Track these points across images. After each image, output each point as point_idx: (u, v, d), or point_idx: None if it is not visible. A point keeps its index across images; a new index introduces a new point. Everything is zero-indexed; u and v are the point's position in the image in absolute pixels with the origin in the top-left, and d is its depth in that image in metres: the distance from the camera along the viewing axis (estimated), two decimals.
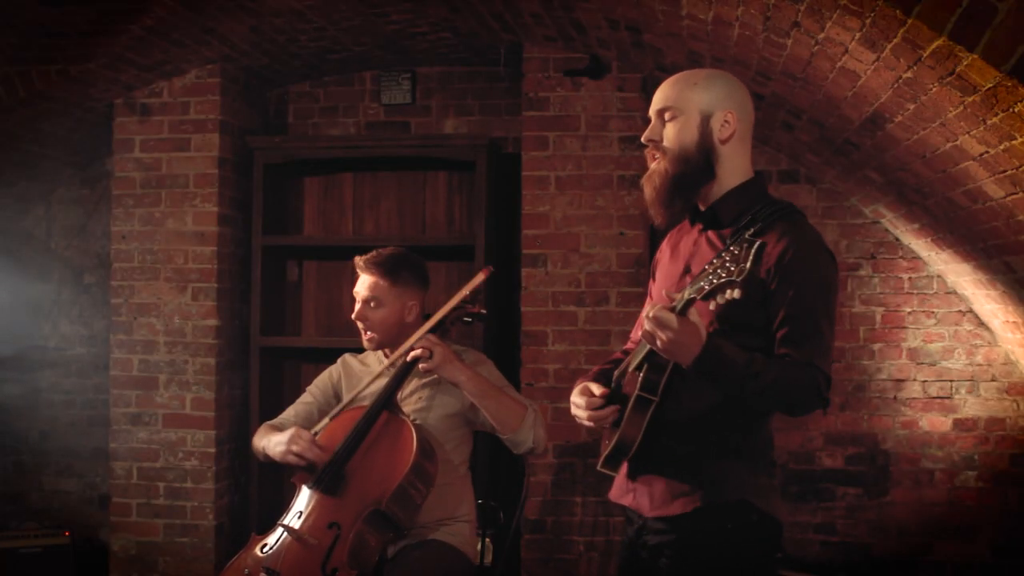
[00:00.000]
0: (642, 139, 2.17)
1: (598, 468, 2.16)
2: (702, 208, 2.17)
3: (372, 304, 2.93)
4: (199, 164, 4.18)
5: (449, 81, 4.53)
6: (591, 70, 4.04)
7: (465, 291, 2.83)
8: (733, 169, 2.11)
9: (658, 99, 2.15)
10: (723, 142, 2.09)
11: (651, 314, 1.91)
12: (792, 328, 1.99)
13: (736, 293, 1.82)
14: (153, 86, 4.18)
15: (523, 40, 4.05)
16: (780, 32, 2.73)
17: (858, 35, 2.37)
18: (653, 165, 2.15)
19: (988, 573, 4.11)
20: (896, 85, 2.51)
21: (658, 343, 1.92)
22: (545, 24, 3.76)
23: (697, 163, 2.08)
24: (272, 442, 2.84)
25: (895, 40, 2.23)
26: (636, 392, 2.04)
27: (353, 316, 2.97)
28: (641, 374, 2.04)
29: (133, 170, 4.22)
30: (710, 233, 2.14)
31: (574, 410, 2.18)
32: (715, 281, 1.83)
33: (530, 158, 4.10)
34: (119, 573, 4.21)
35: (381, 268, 2.94)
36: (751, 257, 1.80)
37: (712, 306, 1.91)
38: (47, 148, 4.34)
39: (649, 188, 2.14)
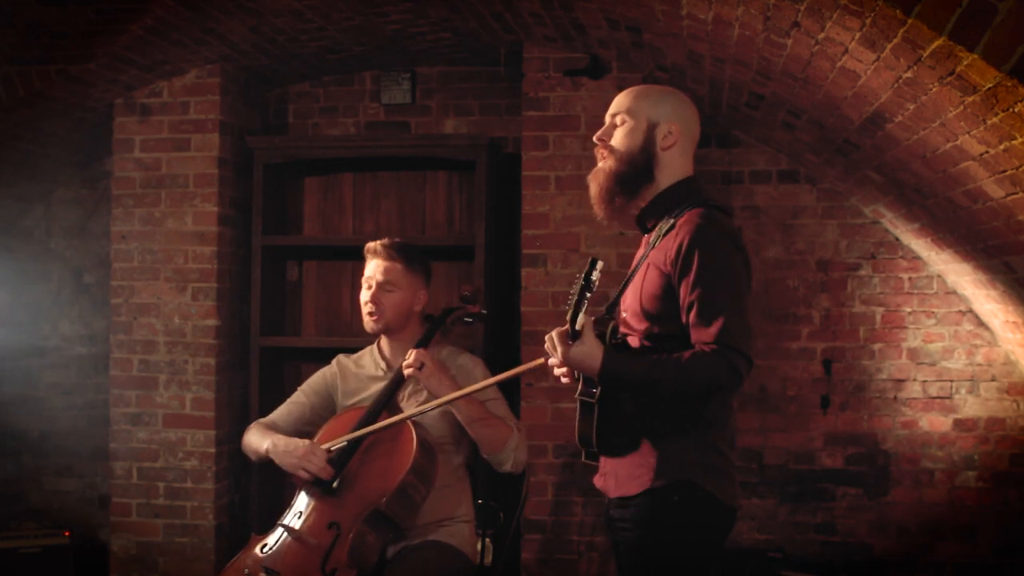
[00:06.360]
0: (594, 138, 2.37)
1: (582, 460, 2.36)
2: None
3: (387, 288, 2.96)
4: (199, 164, 4.18)
5: (449, 81, 4.53)
6: (591, 70, 4.04)
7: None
8: (670, 175, 2.33)
9: (614, 105, 2.37)
10: (664, 150, 2.31)
11: (549, 334, 2.16)
12: (696, 312, 2.15)
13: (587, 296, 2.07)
14: (153, 86, 4.18)
15: (523, 40, 4.05)
16: (780, 32, 2.73)
17: (858, 35, 2.37)
18: (600, 163, 2.35)
19: (988, 573, 4.11)
20: (896, 85, 2.51)
21: (557, 359, 2.18)
22: (545, 24, 3.76)
23: (639, 164, 2.31)
24: (277, 448, 2.84)
25: (895, 40, 2.23)
26: (578, 397, 2.26)
27: (364, 299, 2.98)
28: (580, 381, 2.26)
29: (133, 170, 4.22)
30: (646, 236, 2.40)
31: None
32: (573, 298, 2.09)
33: (530, 158, 4.10)
34: (119, 573, 4.21)
35: (399, 253, 3.00)
36: (586, 267, 2.07)
37: (638, 308, 2.21)
38: (47, 148, 4.34)
39: (594, 184, 2.35)
